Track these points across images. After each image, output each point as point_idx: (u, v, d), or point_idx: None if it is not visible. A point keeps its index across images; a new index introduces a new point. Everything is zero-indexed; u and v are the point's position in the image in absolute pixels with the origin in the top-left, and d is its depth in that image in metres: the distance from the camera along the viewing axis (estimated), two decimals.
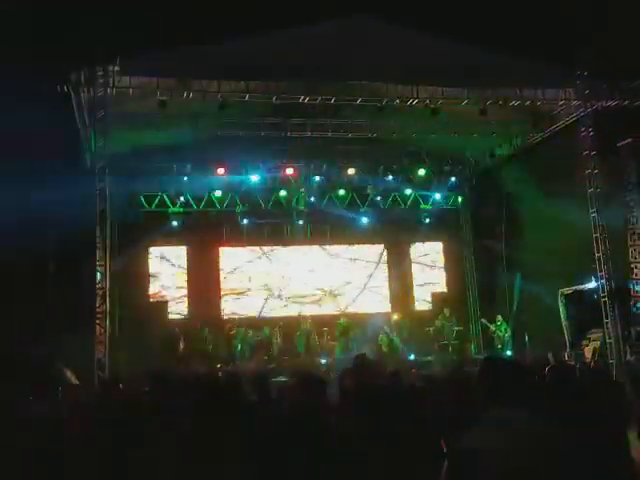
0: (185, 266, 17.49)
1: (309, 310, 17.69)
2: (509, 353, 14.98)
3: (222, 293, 17.63)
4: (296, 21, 11.26)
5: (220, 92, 12.44)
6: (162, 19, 10.73)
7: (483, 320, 16.74)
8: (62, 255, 13.57)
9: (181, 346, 15.49)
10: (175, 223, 16.78)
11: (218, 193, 16.92)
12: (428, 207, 18.39)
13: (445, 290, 18.86)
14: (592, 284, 13.92)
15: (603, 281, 13.19)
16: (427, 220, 18.42)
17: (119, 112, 12.18)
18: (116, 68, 11.46)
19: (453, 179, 18.04)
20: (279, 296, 17.95)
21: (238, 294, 17.71)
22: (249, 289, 17.80)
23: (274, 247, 18.17)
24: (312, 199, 17.50)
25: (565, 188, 14.02)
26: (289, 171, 16.68)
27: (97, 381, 10.78)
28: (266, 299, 17.87)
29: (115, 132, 11.94)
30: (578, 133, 13.73)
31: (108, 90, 11.61)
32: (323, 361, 15.25)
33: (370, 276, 18.70)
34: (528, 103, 13.83)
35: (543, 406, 3.07)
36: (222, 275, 17.78)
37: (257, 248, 18.06)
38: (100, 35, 10.72)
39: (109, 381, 7.08)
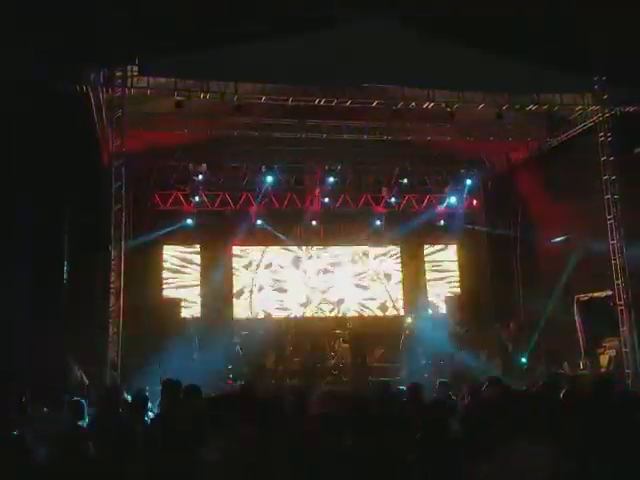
0: (198, 265, 17.53)
1: (319, 312, 17.79)
2: (524, 360, 14.85)
3: (234, 292, 17.67)
4: (312, 24, 11.26)
5: (237, 94, 12.44)
6: (180, 20, 10.76)
7: (497, 325, 16.61)
8: (77, 253, 13.67)
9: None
10: (189, 222, 16.79)
11: (232, 192, 16.94)
12: (442, 210, 18.28)
13: (459, 293, 18.76)
14: (608, 291, 13.76)
15: (620, 288, 13.04)
16: (441, 222, 18.34)
17: (136, 111, 12.23)
18: (134, 69, 11.47)
19: (469, 182, 17.90)
20: (293, 298, 17.99)
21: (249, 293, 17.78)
22: (262, 288, 17.86)
23: (287, 247, 18.17)
24: (326, 200, 17.44)
25: (582, 193, 13.88)
26: (303, 172, 16.66)
27: (109, 381, 10.84)
28: (279, 300, 17.95)
29: (131, 131, 11.97)
30: (596, 138, 13.58)
31: (126, 90, 11.62)
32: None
33: (384, 278, 18.67)
34: (545, 108, 13.70)
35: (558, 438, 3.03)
36: (235, 274, 17.82)
37: (270, 247, 18.08)
38: (119, 35, 10.76)
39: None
